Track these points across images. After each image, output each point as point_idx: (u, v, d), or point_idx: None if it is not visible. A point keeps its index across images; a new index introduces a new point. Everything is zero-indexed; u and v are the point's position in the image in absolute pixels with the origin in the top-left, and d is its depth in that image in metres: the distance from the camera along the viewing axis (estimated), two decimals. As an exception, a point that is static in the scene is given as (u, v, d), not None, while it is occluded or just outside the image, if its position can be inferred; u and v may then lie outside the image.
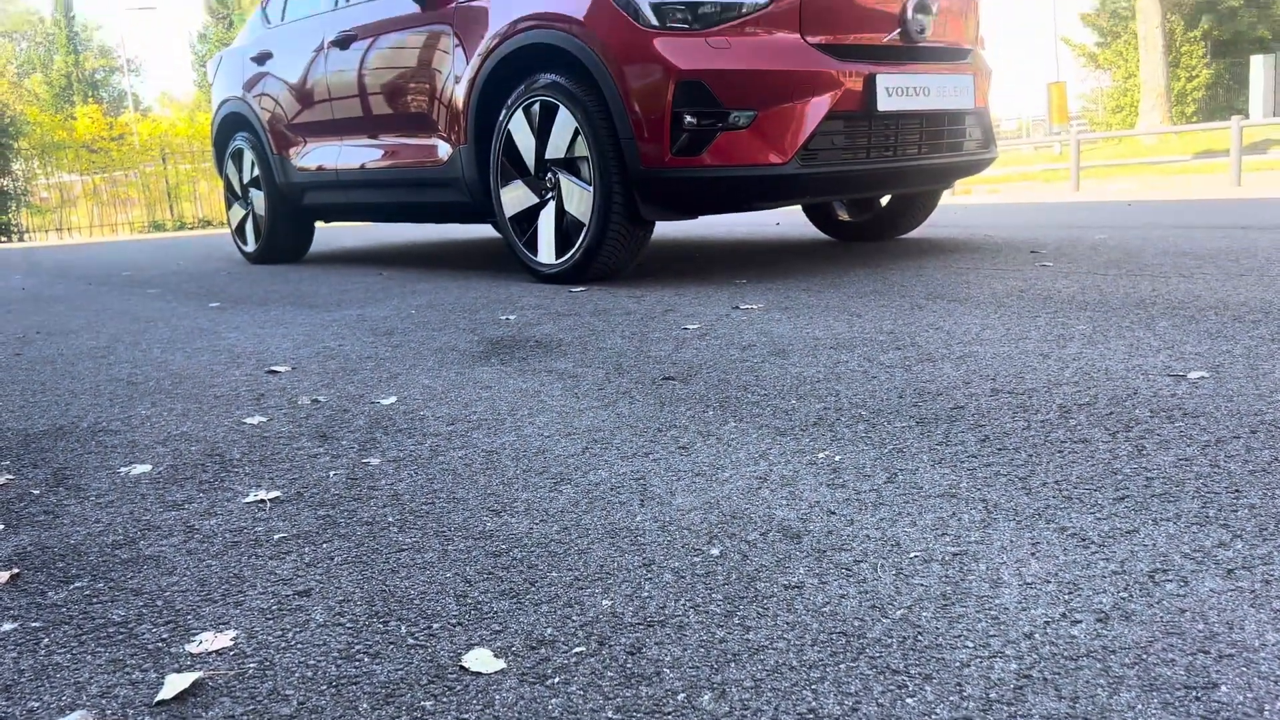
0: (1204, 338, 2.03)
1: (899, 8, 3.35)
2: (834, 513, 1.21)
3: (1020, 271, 3.21)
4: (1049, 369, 1.84)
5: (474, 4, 3.75)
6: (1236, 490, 1.19)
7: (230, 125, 5.66)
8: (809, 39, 3.17)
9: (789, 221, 6.38)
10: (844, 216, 4.70)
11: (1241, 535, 1.06)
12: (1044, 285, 2.88)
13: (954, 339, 2.17)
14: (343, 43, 4.53)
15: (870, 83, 3.21)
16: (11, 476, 1.59)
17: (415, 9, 4.04)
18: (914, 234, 4.71)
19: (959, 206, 8.03)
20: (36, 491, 1.50)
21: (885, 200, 4.47)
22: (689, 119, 3.11)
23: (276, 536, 1.25)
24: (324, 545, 1.21)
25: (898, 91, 3.28)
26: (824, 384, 1.84)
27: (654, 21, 3.14)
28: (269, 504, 1.38)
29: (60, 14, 47.85)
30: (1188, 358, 1.86)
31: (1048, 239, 4.29)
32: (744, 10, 3.13)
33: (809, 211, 4.86)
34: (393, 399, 1.95)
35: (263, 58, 5.31)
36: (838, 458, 1.41)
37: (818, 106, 3.14)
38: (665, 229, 6.20)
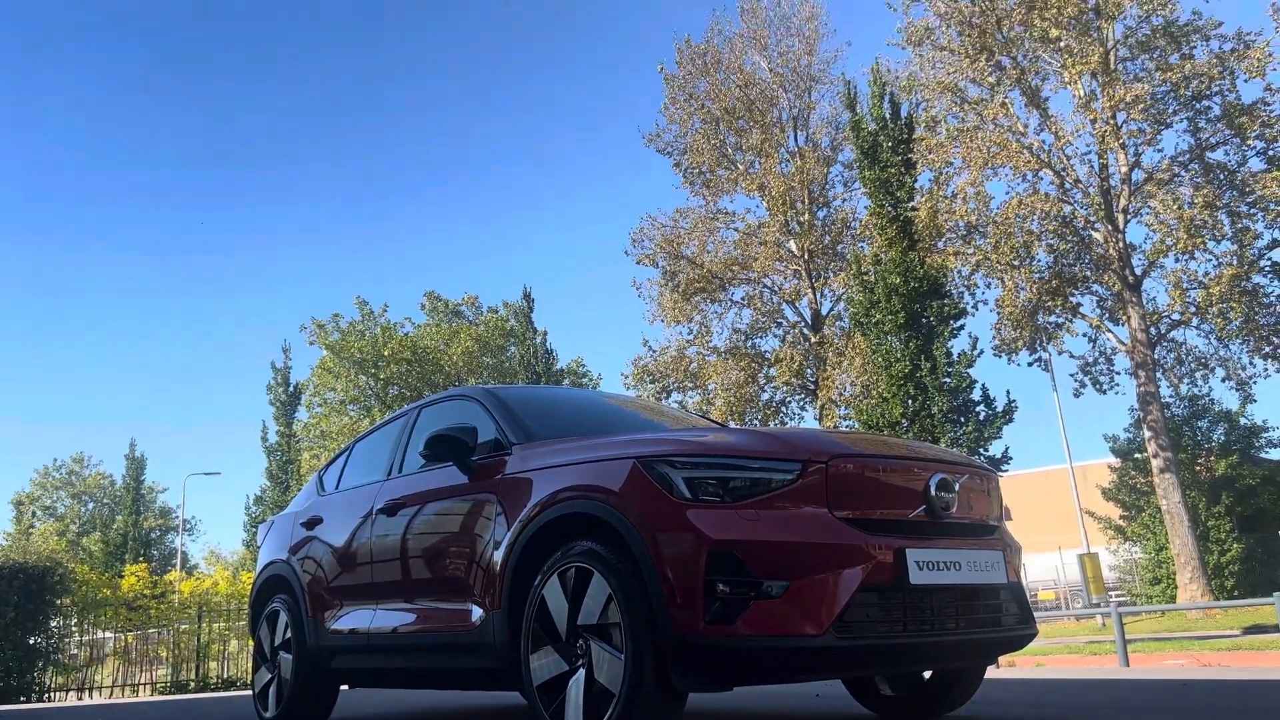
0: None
1: (922, 485, 3.50)
2: None
3: (1080, 757, 2.98)
4: None
5: (520, 475, 3.99)
6: None
7: (271, 587, 5.78)
8: (836, 513, 3.29)
9: (829, 693, 6.10)
10: (887, 691, 4.50)
11: None
12: (1108, 774, 2.66)
13: (1017, 836, 1.97)
14: (390, 510, 4.76)
15: (900, 556, 3.26)
16: None
17: (463, 479, 4.30)
18: (960, 711, 4.47)
19: (1005, 680, 7.67)
20: None
21: (928, 675, 4.31)
22: (722, 587, 3.13)
23: None
24: None
25: (929, 565, 3.32)
26: None
27: (687, 494, 3.30)
28: None
29: (131, 479, 51.18)
30: None
31: (1105, 720, 4.04)
32: (772, 485, 3.29)
33: (850, 684, 4.67)
34: None
35: (312, 523, 5.56)
36: None
37: (850, 578, 3.17)
38: (699, 698, 5.94)
